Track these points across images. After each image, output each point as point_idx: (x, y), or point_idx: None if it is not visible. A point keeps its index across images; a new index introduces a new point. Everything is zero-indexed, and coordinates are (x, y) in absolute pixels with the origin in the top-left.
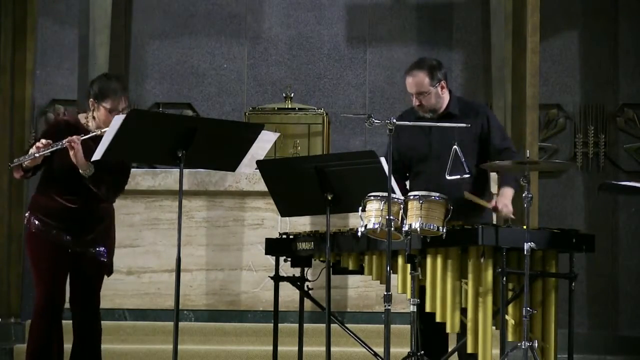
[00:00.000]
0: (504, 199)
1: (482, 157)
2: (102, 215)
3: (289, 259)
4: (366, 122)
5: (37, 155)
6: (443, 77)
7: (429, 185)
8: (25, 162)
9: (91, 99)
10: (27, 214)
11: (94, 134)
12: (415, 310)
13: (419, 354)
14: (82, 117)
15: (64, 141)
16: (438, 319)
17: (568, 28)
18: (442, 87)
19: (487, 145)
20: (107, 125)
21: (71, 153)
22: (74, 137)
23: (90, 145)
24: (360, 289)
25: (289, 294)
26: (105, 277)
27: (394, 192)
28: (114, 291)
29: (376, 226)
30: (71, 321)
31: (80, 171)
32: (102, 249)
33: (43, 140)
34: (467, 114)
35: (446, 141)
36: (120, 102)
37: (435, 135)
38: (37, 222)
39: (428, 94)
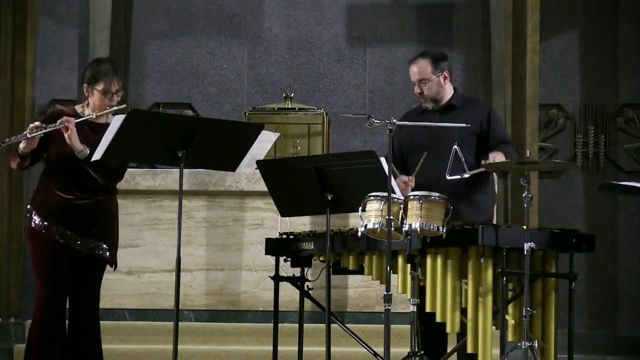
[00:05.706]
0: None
1: (480, 151)
2: (105, 209)
3: (289, 259)
4: (366, 122)
5: (29, 135)
6: (446, 68)
7: (424, 176)
8: (21, 146)
9: (85, 85)
10: (28, 207)
11: (88, 116)
12: (415, 310)
13: (419, 354)
14: (78, 108)
15: (58, 122)
16: (438, 319)
17: (568, 28)
18: (445, 78)
19: (486, 140)
20: (101, 109)
21: (66, 135)
22: (69, 117)
23: (86, 131)
24: (360, 289)
25: (289, 294)
26: (108, 274)
27: (394, 192)
28: (114, 291)
29: (376, 226)
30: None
31: (76, 153)
32: (105, 245)
33: (36, 122)
34: (469, 107)
35: (445, 134)
36: (112, 83)
37: (436, 128)
38: (38, 219)
39: (429, 82)
